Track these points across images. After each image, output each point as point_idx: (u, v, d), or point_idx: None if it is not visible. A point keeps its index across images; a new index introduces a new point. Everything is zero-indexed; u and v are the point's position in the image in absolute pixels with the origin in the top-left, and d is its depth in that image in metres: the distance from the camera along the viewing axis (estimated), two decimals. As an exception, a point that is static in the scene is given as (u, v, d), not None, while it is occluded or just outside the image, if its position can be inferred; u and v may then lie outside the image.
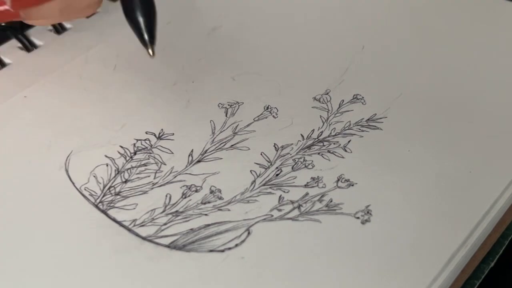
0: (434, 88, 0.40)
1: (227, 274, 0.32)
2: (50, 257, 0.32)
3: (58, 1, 0.35)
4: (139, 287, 0.31)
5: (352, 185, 0.35)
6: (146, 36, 0.35)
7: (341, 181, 0.35)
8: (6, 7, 0.35)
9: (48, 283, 0.32)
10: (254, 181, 0.35)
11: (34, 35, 0.44)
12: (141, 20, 0.34)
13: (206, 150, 0.37)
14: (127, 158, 0.37)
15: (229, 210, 0.34)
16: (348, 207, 0.34)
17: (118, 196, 0.35)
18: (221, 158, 0.37)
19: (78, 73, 0.42)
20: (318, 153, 0.37)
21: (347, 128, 0.38)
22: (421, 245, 0.32)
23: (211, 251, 0.32)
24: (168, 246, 0.33)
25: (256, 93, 0.40)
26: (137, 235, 0.33)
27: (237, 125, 0.38)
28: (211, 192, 0.35)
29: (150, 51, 0.35)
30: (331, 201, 0.34)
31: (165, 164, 0.36)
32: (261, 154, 0.37)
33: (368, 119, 0.38)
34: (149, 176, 0.36)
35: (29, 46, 0.44)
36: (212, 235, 0.33)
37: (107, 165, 0.36)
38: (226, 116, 0.39)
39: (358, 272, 0.31)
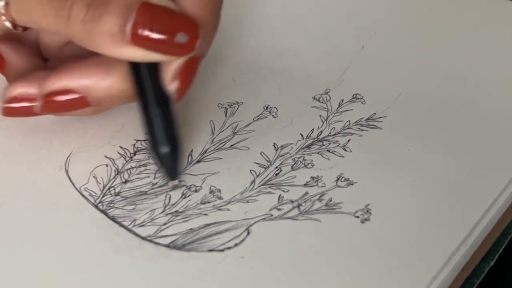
0: (434, 88, 0.40)
1: (226, 274, 0.32)
2: (50, 257, 0.32)
3: (90, 109, 0.35)
4: (139, 287, 0.31)
5: (352, 184, 0.35)
6: (171, 172, 0.35)
7: (341, 180, 0.35)
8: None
9: (48, 283, 0.32)
10: (254, 180, 0.35)
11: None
12: (167, 159, 0.34)
13: (206, 150, 0.37)
14: (127, 158, 0.37)
15: (228, 209, 0.34)
16: (347, 206, 0.34)
17: (118, 197, 0.35)
18: (221, 158, 0.37)
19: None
20: (318, 153, 0.37)
21: (346, 128, 0.38)
22: (421, 244, 0.32)
23: (210, 250, 0.32)
24: (167, 246, 0.33)
25: (256, 93, 0.40)
26: (137, 235, 0.33)
27: (237, 125, 0.38)
28: (211, 192, 0.35)
29: (174, 182, 0.35)
30: (331, 200, 0.34)
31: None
32: (260, 154, 0.37)
33: (367, 119, 0.38)
34: (149, 177, 0.36)
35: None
36: (211, 234, 0.33)
37: (107, 166, 0.36)
38: (225, 116, 0.39)
39: (357, 271, 0.31)
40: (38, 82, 0.35)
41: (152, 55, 0.32)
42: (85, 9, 0.31)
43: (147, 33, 0.32)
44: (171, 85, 0.34)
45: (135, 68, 0.34)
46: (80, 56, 0.35)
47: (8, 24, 0.33)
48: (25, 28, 0.34)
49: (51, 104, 0.35)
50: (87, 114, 0.36)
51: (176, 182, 0.35)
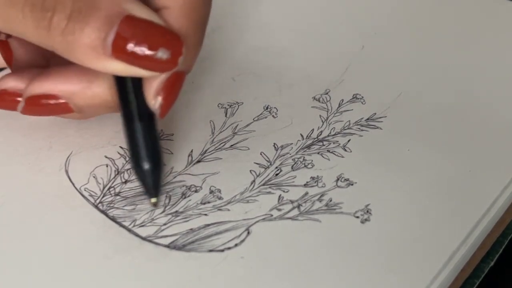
0: (433, 88, 0.40)
1: (226, 274, 0.32)
2: (50, 257, 0.32)
3: (76, 114, 0.35)
4: (139, 287, 0.31)
5: (352, 185, 0.35)
6: (150, 189, 0.34)
7: (341, 181, 0.35)
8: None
9: (48, 283, 0.32)
10: (254, 181, 0.35)
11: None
12: (147, 176, 0.34)
13: (206, 150, 0.37)
14: (127, 158, 0.37)
15: (228, 210, 0.34)
16: (347, 207, 0.34)
17: (118, 197, 0.35)
18: (221, 158, 0.37)
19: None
20: (318, 153, 0.37)
21: (346, 128, 0.38)
22: (421, 244, 0.32)
23: (210, 251, 0.32)
24: (168, 246, 0.33)
25: (256, 93, 0.40)
26: (137, 235, 0.33)
27: (237, 125, 0.38)
28: (211, 192, 0.35)
29: (152, 200, 0.34)
30: (331, 201, 0.34)
31: (165, 164, 0.36)
32: (260, 154, 0.37)
33: (367, 119, 0.38)
34: (149, 177, 0.36)
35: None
36: (211, 235, 0.33)
37: (107, 166, 0.36)
38: (225, 116, 0.39)
39: (357, 271, 0.31)
40: (29, 79, 0.35)
41: (134, 70, 0.31)
42: (66, 21, 0.31)
43: (128, 47, 0.31)
44: (154, 101, 0.33)
45: (119, 81, 0.33)
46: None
47: None
48: (9, 35, 0.34)
49: (33, 107, 0.35)
50: (72, 118, 0.36)
51: (155, 199, 0.34)
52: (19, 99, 0.35)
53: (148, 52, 0.31)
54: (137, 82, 0.33)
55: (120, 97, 0.33)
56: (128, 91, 0.33)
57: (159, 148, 0.34)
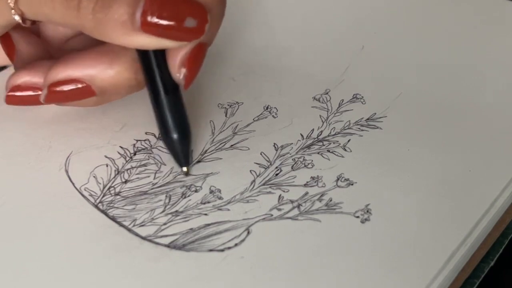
0: (433, 88, 0.40)
1: (226, 274, 0.32)
2: (50, 257, 0.32)
3: (94, 99, 0.35)
4: (139, 287, 0.31)
5: (352, 184, 0.35)
6: (180, 158, 0.36)
7: (341, 181, 0.35)
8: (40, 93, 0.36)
9: (48, 283, 0.32)
10: (254, 180, 0.35)
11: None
12: (177, 145, 0.35)
13: (206, 150, 0.37)
14: (127, 158, 0.37)
15: (228, 209, 0.34)
16: (347, 206, 0.34)
17: (118, 196, 0.35)
18: (221, 158, 0.37)
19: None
20: (318, 153, 0.37)
21: (346, 128, 0.38)
22: (421, 244, 0.32)
23: (210, 250, 0.32)
24: (168, 246, 0.33)
25: (256, 93, 0.40)
26: (137, 235, 0.33)
27: (237, 125, 0.38)
28: (211, 192, 0.35)
29: (184, 169, 0.36)
30: (331, 200, 0.34)
31: (165, 165, 0.36)
32: (260, 154, 0.37)
33: (367, 119, 0.38)
34: (149, 176, 0.36)
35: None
36: (211, 234, 0.33)
37: (107, 166, 0.36)
38: (226, 116, 0.39)
39: (357, 271, 0.31)
40: (43, 71, 0.35)
41: (163, 42, 0.32)
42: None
43: (156, 20, 0.32)
44: (179, 72, 0.34)
45: (143, 56, 0.34)
46: (86, 49, 0.35)
47: (17, 17, 0.33)
48: (34, 22, 0.34)
49: (56, 94, 0.35)
50: (90, 104, 0.36)
51: (185, 169, 0.35)
52: (34, 93, 0.35)
53: (175, 22, 0.32)
54: (161, 56, 0.34)
55: (145, 71, 0.34)
56: (152, 65, 0.34)
57: (186, 119, 0.35)
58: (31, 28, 0.37)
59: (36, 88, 0.36)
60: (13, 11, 0.33)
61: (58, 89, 0.35)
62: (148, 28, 0.32)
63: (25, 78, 0.36)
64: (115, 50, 0.34)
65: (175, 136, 0.35)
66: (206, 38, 0.34)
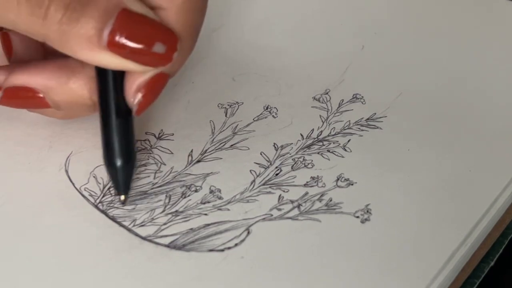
0: (434, 88, 0.40)
1: (227, 274, 0.32)
2: (50, 257, 0.32)
3: (59, 113, 0.35)
4: (139, 287, 0.31)
5: (352, 184, 0.35)
6: (119, 186, 0.34)
7: (341, 181, 0.35)
8: None
9: (48, 283, 0.32)
10: (254, 180, 0.35)
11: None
12: (119, 172, 0.34)
13: (206, 150, 0.37)
14: (127, 158, 0.37)
15: (228, 209, 0.34)
16: (347, 206, 0.34)
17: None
18: (221, 158, 0.37)
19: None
20: (318, 153, 0.37)
21: (346, 128, 0.38)
22: (421, 244, 0.32)
23: (210, 250, 0.32)
24: (168, 246, 0.33)
25: (256, 93, 0.40)
26: (137, 235, 0.33)
27: (237, 125, 0.38)
28: (211, 192, 0.35)
29: (121, 197, 0.34)
30: (331, 200, 0.34)
31: (164, 164, 0.36)
32: (260, 154, 0.37)
33: (367, 119, 0.38)
34: (148, 176, 0.36)
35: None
36: (211, 234, 0.33)
37: (107, 166, 0.36)
38: (226, 116, 0.39)
39: (357, 271, 0.31)
40: (10, 72, 0.35)
41: (126, 64, 0.31)
42: (63, 10, 0.30)
43: (124, 40, 0.31)
44: (134, 97, 0.33)
45: (101, 74, 0.33)
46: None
47: None
48: (1, 28, 0.34)
49: (10, 99, 0.35)
50: (52, 116, 0.36)
51: (123, 197, 0.34)
52: None
53: (143, 46, 0.31)
54: (119, 77, 0.33)
55: (100, 91, 0.33)
56: (108, 86, 0.33)
57: (133, 146, 0.34)
58: None
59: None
60: None
61: (13, 94, 0.34)
62: (114, 48, 0.31)
63: None
64: (74, 66, 0.33)
65: (118, 162, 0.33)
66: (171, 69, 0.33)
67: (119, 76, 0.33)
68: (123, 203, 0.34)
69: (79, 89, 0.34)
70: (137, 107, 0.33)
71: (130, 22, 0.31)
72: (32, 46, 0.37)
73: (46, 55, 0.37)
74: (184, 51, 0.34)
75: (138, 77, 0.33)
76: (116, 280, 0.32)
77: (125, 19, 0.31)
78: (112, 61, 0.31)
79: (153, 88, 0.33)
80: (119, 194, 0.34)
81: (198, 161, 0.36)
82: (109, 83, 0.33)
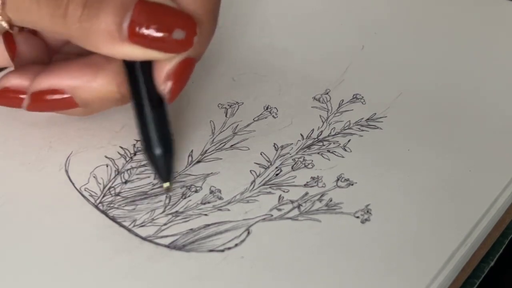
0: (433, 88, 0.40)
1: (227, 274, 0.32)
2: (50, 257, 0.32)
3: (80, 110, 0.35)
4: (139, 287, 0.31)
5: (352, 185, 0.35)
6: (162, 174, 0.35)
7: (341, 181, 0.35)
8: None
9: (48, 283, 0.32)
10: (254, 181, 0.35)
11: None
12: (160, 161, 0.34)
13: (206, 150, 0.37)
14: (127, 158, 0.37)
15: (228, 210, 0.34)
16: (347, 207, 0.34)
17: (118, 197, 0.35)
18: (221, 158, 0.37)
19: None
20: (318, 153, 0.37)
21: (346, 128, 0.38)
22: (421, 244, 0.32)
23: (211, 251, 0.32)
24: (168, 246, 0.33)
25: (256, 93, 0.40)
26: (137, 235, 0.33)
27: (237, 125, 0.38)
28: (211, 192, 0.35)
29: (166, 184, 0.35)
30: (331, 201, 0.34)
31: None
32: (260, 154, 0.37)
33: (368, 119, 0.38)
34: (149, 177, 0.36)
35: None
36: (212, 235, 0.33)
37: (107, 166, 0.36)
38: (226, 116, 0.39)
39: (357, 271, 0.31)
40: (33, 75, 0.35)
41: (149, 53, 0.32)
42: (82, 8, 0.31)
43: (144, 30, 0.31)
44: (164, 86, 0.34)
45: (129, 68, 0.33)
46: (82, 54, 0.35)
47: (4, 24, 0.33)
48: (22, 28, 0.34)
49: (38, 103, 0.35)
50: (77, 114, 0.36)
51: (168, 184, 0.35)
52: (23, 96, 0.35)
53: (163, 34, 0.32)
54: (147, 68, 0.33)
55: (130, 83, 0.34)
56: (138, 77, 0.33)
57: (170, 134, 0.34)
58: (36, 31, 0.37)
59: (23, 92, 0.35)
60: (0, 17, 0.33)
61: (40, 98, 0.35)
62: (136, 39, 0.31)
63: (14, 81, 0.35)
64: (99, 62, 0.34)
65: (158, 151, 0.34)
66: (195, 52, 0.34)
67: (147, 66, 0.33)
68: (168, 190, 0.35)
69: (107, 84, 0.34)
70: (169, 95, 0.34)
71: (147, 12, 0.31)
72: (36, 45, 0.37)
73: (51, 54, 0.37)
74: (205, 34, 0.34)
75: (165, 65, 0.33)
76: (116, 280, 0.32)
77: (142, 10, 0.31)
78: (136, 52, 0.32)
79: (182, 74, 0.34)
80: (163, 182, 0.35)
81: (198, 162, 0.36)
82: (138, 74, 0.33)
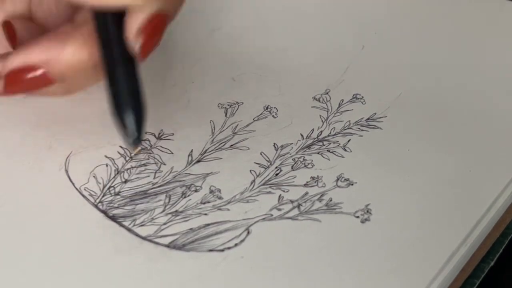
0: (433, 88, 0.40)
1: (226, 274, 0.32)
2: (50, 257, 0.32)
3: (59, 89, 0.35)
4: (139, 287, 0.31)
5: (352, 184, 0.35)
6: (130, 137, 0.33)
7: (341, 181, 0.35)
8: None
9: (48, 283, 0.32)
10: (254, 180, 0.35)
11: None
12: (128, 118, 0.33)
13: (206, 150, 0.37)
14: (127, 158, 0.37)
15: (228, 209, 0.34)
16: (347, 206, 0.34)
17: (118, 196, 0.35)
18: (221, 158, 0.37)
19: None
20: (318, 153, 0.37)
21: (346, 128, 0.38)
22: (421, 244, 0.32)
23: (210, 250, 0.32)
24: (167, 246, 0.33)
25: (256, 93, 0.40)
26: (137, 235, 0.33)
27: (237, 125, 0.38)
28: (211, 191, 0.35)
29: (135, 150, 0.34)
30: (331, 200, 0.34)
31: (164, 164, 0.36)
32: (260, 154, 0.37)
33: (367, 119, 0.38)
34: (148, 176, 0.36)
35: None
36: (211, 234, 0.33)
37: (106, 165, 0.36)
38: (226, 116, 0.39)
39: (357, 271, 0.31)
40: (3, 58, 0.34)
41: None
42: None
43: None
44: (136, 41, 0.33)
45: (100, 21, 0.33)
46: None
47: None
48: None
49: (14, 85, 0.34)
50: (57, 94, 0.36)
51: (138, 148, 0.34)
52: None
53: None
54: (118, 23, 0.33)
55: (100, 41, 0.33)
56: (109, 31, 0.33)
57: (142, 92, 0.33)
58: (35, 19, 0.37)
59: None
60: None
61: (15, 79, 0.34)
62: None
63: None
64: (67, 31, 0.34)
65: (128, 110, 0.32)
66: (168, 6, 0.33)
67: (118, 22, 0.33)
68: (136, 154, 0.34)
69: (78, 52, 0.33)
70: (140, 52, 0.33)
71: None
72: (36, 31, 0.37)
73: None
74: None
75: (137, 20, 0.33)
76: (116, 280, 0.32)
77: None
78: None
79: (154, 30, 0.33)
80: (131, 145, 0.33)
81: (198, 161, 0.36)
82: (109, 28, 0.33)
